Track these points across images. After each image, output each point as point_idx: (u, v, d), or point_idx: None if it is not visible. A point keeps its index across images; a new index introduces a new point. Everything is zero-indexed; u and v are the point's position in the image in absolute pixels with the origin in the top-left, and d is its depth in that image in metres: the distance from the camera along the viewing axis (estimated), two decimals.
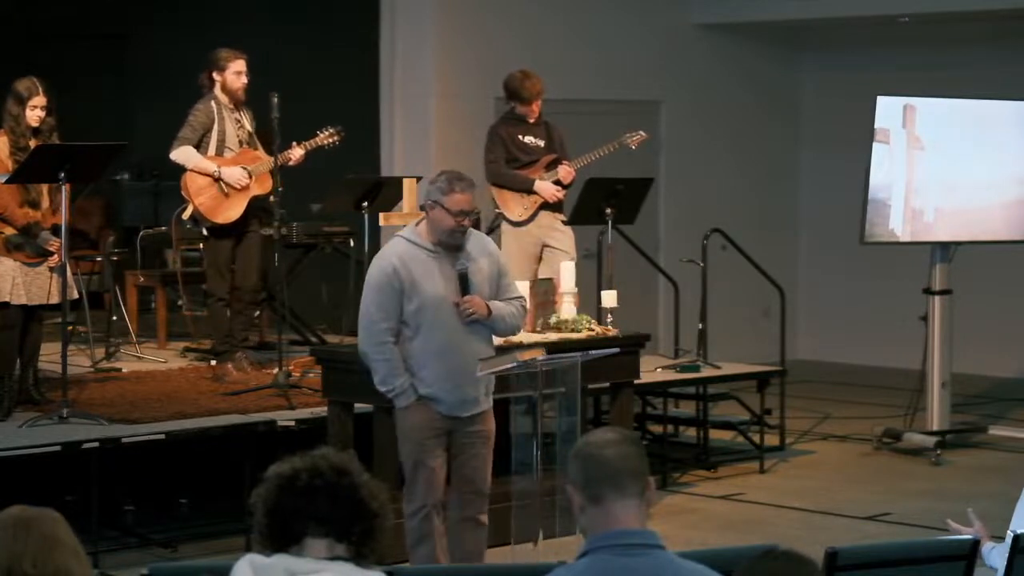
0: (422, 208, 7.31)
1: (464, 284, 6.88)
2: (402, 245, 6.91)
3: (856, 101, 12.12)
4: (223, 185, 9.70)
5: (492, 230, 11.00)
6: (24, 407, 8.78)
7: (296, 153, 9.78)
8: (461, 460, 7.04)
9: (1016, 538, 4.97)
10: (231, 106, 9.83)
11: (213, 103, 9.78)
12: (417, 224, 7.00)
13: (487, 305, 6.92)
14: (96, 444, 8.06)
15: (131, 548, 8.21)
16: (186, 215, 9.95)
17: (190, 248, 11.38)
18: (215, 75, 9.81)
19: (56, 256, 8.67)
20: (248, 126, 9.89)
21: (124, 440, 8.23)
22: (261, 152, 9.81)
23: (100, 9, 15.25)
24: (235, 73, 9.78)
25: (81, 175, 8.69)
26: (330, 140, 9.96)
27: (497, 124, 10.28)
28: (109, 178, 11.78)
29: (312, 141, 9.90)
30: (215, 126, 9.75)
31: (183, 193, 9.79)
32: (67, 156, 8.44)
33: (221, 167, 9.67)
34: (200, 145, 9.74)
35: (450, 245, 6.88)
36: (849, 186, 12.73)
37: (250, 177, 9.73)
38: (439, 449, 6.98)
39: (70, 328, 9.33)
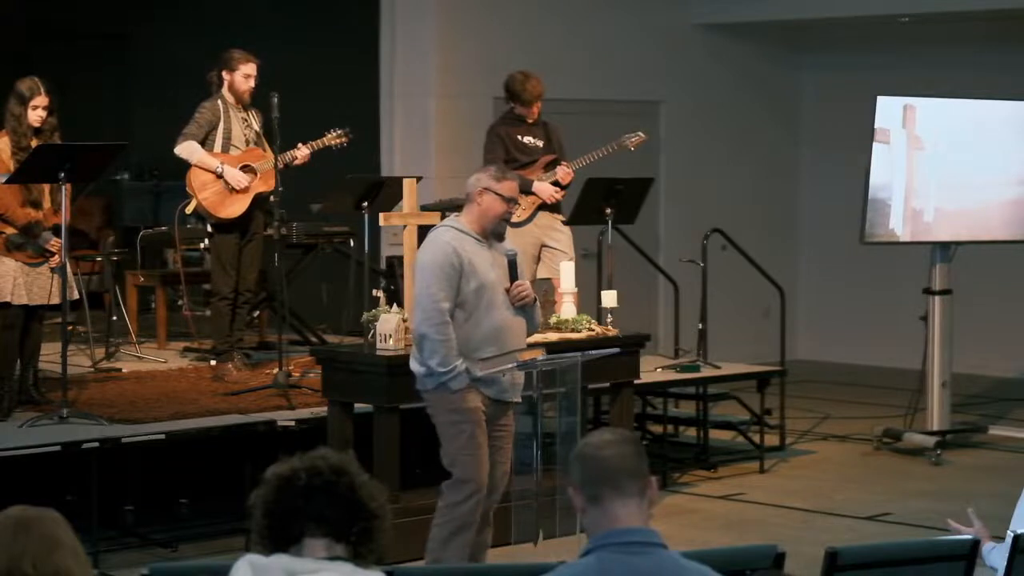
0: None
1: (513, 269, 7.02)
2: (450, 232, 6.98)
3: (856, 101, 12.12)
4: (227, 181, 9.71)
5: None
6: (24, 407, 8.77)
7: (302, 153, 9.79)
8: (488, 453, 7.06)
9: (1016, 538, 4.97)
10: (238, 106, 9.83)
11: (219, 102, 9.78)
12: (457, 217, 7.08)
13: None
14: (96, 444, 8.06)
15: (131, 548, 8.20)
16: (189, 209, 9.96)
17: (190, 248, 11.38)
18: (225, 74, 9.80)
19: (57, 257, 8.67)
20: (255, 126, 9.89)
21: (124, 440, 8.22)
22: (268, 152, 9.81)
23: (100, 9, 15.25)
24: (244, 76, 9.77)
25: (81, 175, 8.68)
26: (338, 141, 9.96)
27: (496, 124, 10.28)
28: (109, 178, 11.78)
29: (319, 141, 9.91)
30: (221, 124, 9.76)
31: (188, 188, 9.80)
32: (67, 156, 8.43)
33: (224, 164, 9.68)
34: (205, 142, 9.74)
35: (497, 233, 7.03)
36: (849, 186, 12.74)
37: (255, 174, 9.74)
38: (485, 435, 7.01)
39: (70, 328, 9.33)
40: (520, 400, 7.08)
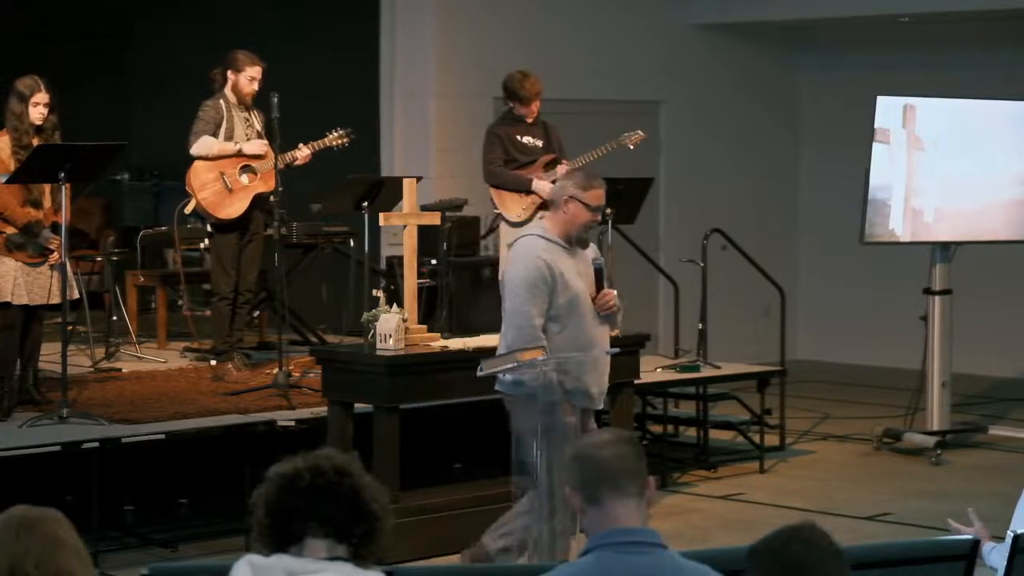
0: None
1: (600, 279, 7.05)
2: (540, 242, 6.97)
3: (856, 101, 12.13)
4: (227, 180, 9.71)
5: (491, 231, 11.01)
6: (24, 407, 8.77)
7: (303, 153, 9.80)
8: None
9: (1016, 538, 4.97)
10: (240, 106, 9.84)
11: (222, 101, 9.80)
12: (541, 219, 7.08)
13: None
14: (96, 444, 8.06)
15: (131, 548, 8.20)
16: (188, 209, 9.97)
17: (190, 248, 11.38)
18: (230, 74, 9.81)
19: (56, 254, 8.67)
20: (257, 125, 9.90)
21: (124, 440, 8.22)
22: (269, 152, 9.81)
23: (100, 9, 15.25)
24: (249, 79, 9.79)
25: (81, 175, 8.68)
26: (339, 142, 9.96)
27: (495, 124, 10.28)
28: (109, 178, 11.76)
29: (320, 142, 9.91)
30: (224, 124, 9.77)
31: (187, 188, 9.80)
32: (67, 156, 8.43)
33: (239, 143, 9.74)
34: None
35: (582, 240, 7.04)
36: (849, 186, 12.73)
37: (255, 175, 9.74)
38: None
39: (70, 328, 9.32)
40: (603, 406, 7.07)
